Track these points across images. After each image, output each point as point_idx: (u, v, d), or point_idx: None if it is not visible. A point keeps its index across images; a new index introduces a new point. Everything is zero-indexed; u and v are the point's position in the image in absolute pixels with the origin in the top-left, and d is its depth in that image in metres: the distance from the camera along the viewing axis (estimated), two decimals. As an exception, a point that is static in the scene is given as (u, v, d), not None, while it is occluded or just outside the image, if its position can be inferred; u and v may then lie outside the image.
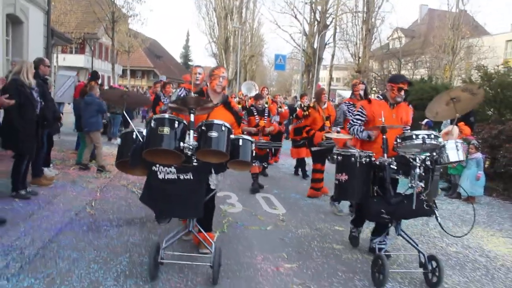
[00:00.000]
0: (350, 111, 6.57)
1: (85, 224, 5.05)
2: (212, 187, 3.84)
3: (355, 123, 4.70)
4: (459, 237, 5.18)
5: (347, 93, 28.62)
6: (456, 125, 6.22)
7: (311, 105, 7.65)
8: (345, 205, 6.48)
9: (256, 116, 7.72)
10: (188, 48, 76.46)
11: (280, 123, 10.17)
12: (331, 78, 40.64)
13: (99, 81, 9.39)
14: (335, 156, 4.36)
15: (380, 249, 4.11)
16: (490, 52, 25.16)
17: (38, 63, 6.48)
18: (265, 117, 7.81)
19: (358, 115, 4.71)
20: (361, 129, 4.61)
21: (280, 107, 10.81)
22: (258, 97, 8.09)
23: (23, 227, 4.72)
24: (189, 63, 67.98)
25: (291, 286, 3.78)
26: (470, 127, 8.33)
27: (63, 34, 16.06)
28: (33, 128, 5.64)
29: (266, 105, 8.39)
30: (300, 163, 9.45)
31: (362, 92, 6.78)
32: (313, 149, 7.37)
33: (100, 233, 4.78)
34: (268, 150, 7.91)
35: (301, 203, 6.98)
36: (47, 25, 12.29)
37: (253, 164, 7.24)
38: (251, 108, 7.94)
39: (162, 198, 3.59)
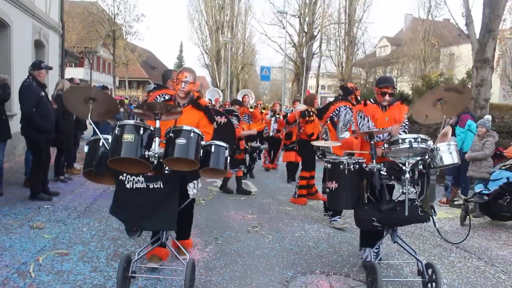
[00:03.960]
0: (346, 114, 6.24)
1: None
2: (191, 195, 3.74)
3: (367, 126, 4.51)
4: (457, 243, 5.46)
5: (336, 101, 30.61)
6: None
7: (312, 110, 7.78)
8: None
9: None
10: (181, 59, 78.76)
11: (278, 131, 11.07)
12: (318, 86, 42.92)
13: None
14: (325, 164, 4.28)
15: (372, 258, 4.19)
16: (457, 60, 27.60)
17: (69, 82, 8.63)
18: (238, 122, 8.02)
19: (364, 119, 4.56)
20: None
21: (278, 114, 11.38)
22: (234, 102, 8.79)
23: (70, 197, 6.85)
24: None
25: (250, 224, 5.94)
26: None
27: (73, 53, 18.25)
28: (72, 130, 7.78)
29: (251, 109, 9.25)
30: (289, 166, 9.77)
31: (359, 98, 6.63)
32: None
33: (124, 200, 6.90)
34: (249, 154, 9.02)
35: (271, 186, 9.14)
36: (62, 46, 14.46)
37: (231, 171, 7.65)
38: (236, 113, 8.13)
39: (130, 209, 3.46)
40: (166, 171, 3.44)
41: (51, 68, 6.91)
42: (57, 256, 4.33)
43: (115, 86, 32.41)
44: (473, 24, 11.38)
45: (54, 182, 7.70)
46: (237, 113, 8.10)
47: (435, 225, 3.90)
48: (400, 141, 3.72)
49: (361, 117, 4.58)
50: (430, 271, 3.82)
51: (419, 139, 3.68)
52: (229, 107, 12.48)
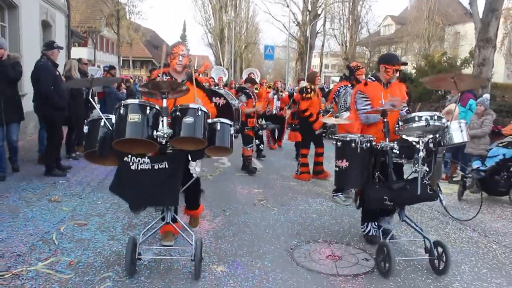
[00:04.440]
0: (348, 93, 6.55)
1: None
2: (194, 174, 3.67)
3: (366, 109, 4.46)
4: (465, 220, 5.53)
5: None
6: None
7: (311, 88, 7.60)
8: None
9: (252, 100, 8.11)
10: (185, 38, 78.30)
11: (281, 108, 11.11)
12: (321, 65, 42.85)
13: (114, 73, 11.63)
14: (334, 142, 4.19)
15: (372, 234, 4.32)
16: (462, 39, 27.54)
17: (77, 62, 8.84)
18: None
19: (364, 99, 4.53)
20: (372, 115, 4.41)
21: (281, 92, 11.36)
22: (247, 80, 8.60)
23: (83, 173, 7.15)
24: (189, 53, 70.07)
25: (256, 197, 6.23)
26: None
27: (79, 33, 18.39)
28: (82, 109, 8.03)
29: (256, 90, 9.25)
30: (297, 146, 9.36)
31: (364, 77, 6.72)
32: (317, 132, 7.60)
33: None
34: (260, 133, 8.90)
35: (275, 163, 9.40)
36: (68, 26, 14.61)
37: (247, 148, 8.02)
38: (247, 91, 8.18)
39: (135, 189, 3.42)
40: (169, 151, 3.41)
41: (62, 48, 7.13)
42: (76, 226, 4.64)
43: (119, 65, 32.54)
44: (477, 3, 11.44)
45: (66, 160, 7.98)
46: (247, 91, 8.18)
47: (442, 203, 3.83)
48: (416, 118, 3.68)
49: (360, 98, 4.55)
50: (439, 249, 3.81)
51: (435, 117, 3.66)
52: (235, 86, 12.60)
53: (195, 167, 3.61)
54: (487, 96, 7.76)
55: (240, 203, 5.96)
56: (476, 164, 6.97)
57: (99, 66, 23.07)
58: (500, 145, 7.02)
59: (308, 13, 38.38)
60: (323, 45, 41.09)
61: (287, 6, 38.77)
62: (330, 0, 38.02)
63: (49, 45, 6.78)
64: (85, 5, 29.80)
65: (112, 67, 11.99)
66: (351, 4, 36.24)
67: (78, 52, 36.25)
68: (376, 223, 4.58)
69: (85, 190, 6.11)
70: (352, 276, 3.79)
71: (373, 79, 4.59)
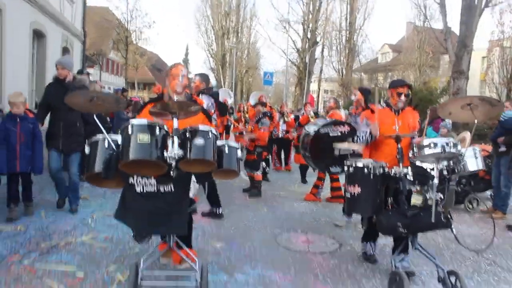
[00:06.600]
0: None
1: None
2: (191, 196, 3.56)
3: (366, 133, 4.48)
4: (477, 251, 5.16)
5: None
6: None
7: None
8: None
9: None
10: (187, 62, 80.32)
11: (287, 132, 11.56)
12: (319, 91, 44.42)
13: (126, 95, 12.94)
14: (346, 167, 4.06)
15: (398, 267, 4.05)
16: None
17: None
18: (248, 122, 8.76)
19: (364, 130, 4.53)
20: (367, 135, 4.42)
21: (287, 116, 11.77)
22: (256, 105, 9.08)
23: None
24: (189, 75, 71.79)
25: (250, 202, 7.45)
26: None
27: (90, 57, 19.87)
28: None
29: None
30: (302, 168, 10.16)
31: (353, 97, 7.05)
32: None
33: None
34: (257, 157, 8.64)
35: (272, 178, 10.59)
36: (83, 52, 16.06)
37: (256, 172, 8.08)
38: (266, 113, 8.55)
39: (140, 214, 3.26)
40: (172, 174, 3.18)
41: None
42: (105, 216, 5.84)
43: (128, 86, 34.14)
44: (451, 39, 12.86)
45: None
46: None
47: (453, 232, 3.72)
48: (432, 145, 3.61)
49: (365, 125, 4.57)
50: (453, 278, 3.69)
51: (451, 144, 3.59)
52: (243, 109, 13.38)
53: (193, 189, 3.54)
54: (449, 120, 9.01)
55: (236, 205, 7.19)
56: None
57: (103, 87, 24.39)
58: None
59: (307, 40, 40.03)
60: (321, 71, 42.78)
61: (287, 33, 40.65)
62: (328, 29, 39.82)
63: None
64: (95, 29, 31.50)
65: (124, 90, 13.36)
66: (347, 33, 38.03)
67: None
68: (375, 243, 4.67)
69: (106, 192, 7.29)
70: (319, 252, 4.99)
71: (385, 105, 4.58)
